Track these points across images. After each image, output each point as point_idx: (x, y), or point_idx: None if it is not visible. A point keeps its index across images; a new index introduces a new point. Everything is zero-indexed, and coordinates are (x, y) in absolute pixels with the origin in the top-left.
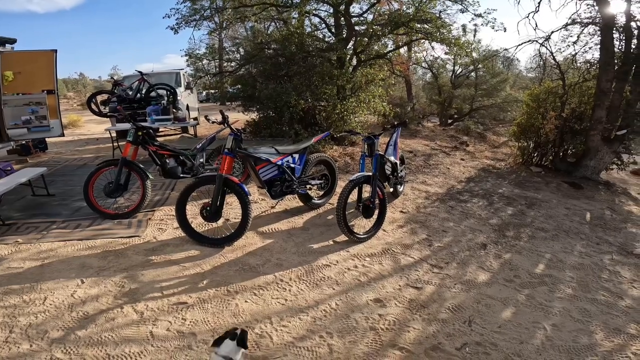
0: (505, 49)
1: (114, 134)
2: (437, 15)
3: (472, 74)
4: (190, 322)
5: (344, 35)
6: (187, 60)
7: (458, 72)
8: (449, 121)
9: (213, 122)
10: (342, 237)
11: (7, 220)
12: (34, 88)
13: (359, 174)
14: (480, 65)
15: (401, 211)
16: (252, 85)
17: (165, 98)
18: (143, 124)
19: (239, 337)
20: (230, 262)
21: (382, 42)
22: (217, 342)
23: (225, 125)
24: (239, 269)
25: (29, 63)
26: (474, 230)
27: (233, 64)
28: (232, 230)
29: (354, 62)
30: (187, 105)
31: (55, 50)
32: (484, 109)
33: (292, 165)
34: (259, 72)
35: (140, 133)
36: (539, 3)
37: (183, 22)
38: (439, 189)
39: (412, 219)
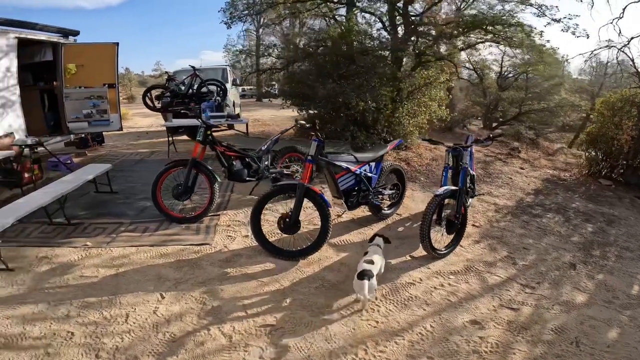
0: (580, 54)
1: (161, 126)
2: (516, 20)
3: (523, 75)
4: (282, 347)
5: (401, 35)
6: (226, 56)
7: (506, 74)
8: (494, 125)
9: (302, 125)
10: (419, 252)
11: (73, 220)
12: (95, 81)
13: (444, 188)
14: (530, 68)
15: (473, 225)
16: (308, 83)
17: (215, 94)
18: (212, 122)
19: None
20: (309, 277)
21: (450, 43)
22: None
23: (311, 130)
24: (320, 286)
25: (90, 56)
26: (557, 249)
27: (280, 61)
28: (307, 243)
29: (409, 63)
30: (234, 102)
31: (117, 44)
32: (534, 112)
33: (369, 175)
34: (316, 69)
35: (209, 132)
36: (624, 9)
37: (236, 17)
38: (507, 201)
39: (487, 234)
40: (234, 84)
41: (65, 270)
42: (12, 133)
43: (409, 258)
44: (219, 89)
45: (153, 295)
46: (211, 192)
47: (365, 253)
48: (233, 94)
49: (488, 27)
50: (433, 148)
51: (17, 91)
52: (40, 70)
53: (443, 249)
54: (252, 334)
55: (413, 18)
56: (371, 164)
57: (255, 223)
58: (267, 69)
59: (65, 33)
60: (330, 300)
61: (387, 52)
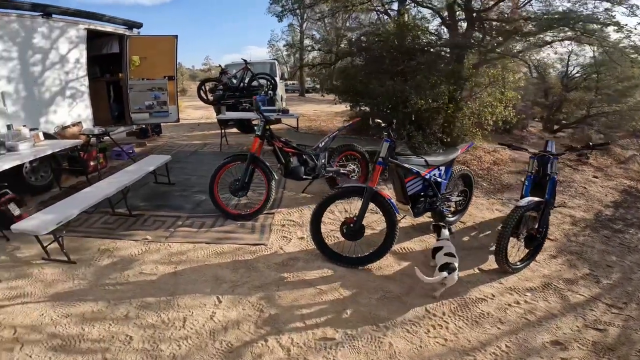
0: None
1: (215, 118)
2: (612, 19)
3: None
4: None
5: (463, 31)
6: (270, 51)
7: (572, 73)
8: (555, 127)
9: (377, 124)
10: (489, 265)
11: (134, 211)
12: (156, 73)
13: (528, 199)
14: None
15: (548, 238)
16: (361, 79)
17: (266, 88)
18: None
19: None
20: (370, 288)
21: (525, 40)
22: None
23: (385, 130)
24: (382, 297)
25: (152, 48)
26: None
27: (329, 55)
28: (366, 248)
29: (472, 60)
30: (281, 96)
31: (176, 36)
32: (604, 115)
33: (439, 180)
34: (372, 65)
35: (268, 127)
36: None
37: (288, 10)
38: (584, 213)
39: (564, 248)
40: (282, 78)
41: (126, 266)
42: (80, 122)
43: (478, 271)
44: (268, 82)
45: (210, 299)
46: (268, 189)
47: (439, 248)
48: (280, 88)
49: (576, 26)
50: (492, 151)
51: (86, 82)
52: (106, 62)
53: (518, 264)
54: (311, 348)
55: (476, 14)
56: (441, 168)
57: (316, 227)
58: (317, 64)
59: (130, 25)
60: (394, 314)
61: (446, 49)
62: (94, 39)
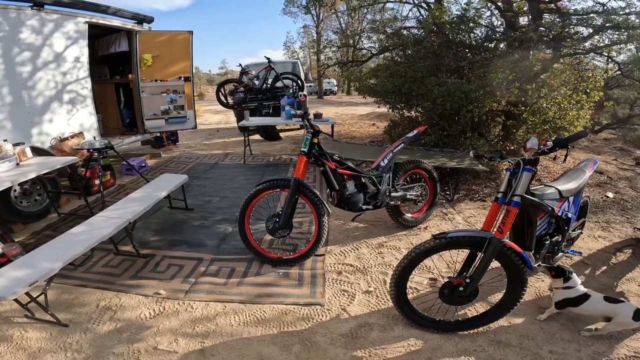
0: None
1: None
2: None
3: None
4: None
5: (528, 23)
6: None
7: (614, 71)
8: (595, 128)
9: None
10: None
11: (142, 249)
12: (171, 74)
13: None
14: None
15: None
16: (413, 77)
17: (291, 89)
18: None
19: None
20: None
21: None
22: None
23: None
24: None
25: (165, 45)
26: None
27: (362, 52)
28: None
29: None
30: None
31: (191, 32)
32: None
33: (569, 215)
34: (426, 61)
35: (316, 140)
36: None
37: (312, 3)
38: None
39: None
40: (306, 79)
41: (135, 335)
42: (81, 133)
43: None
44: (294, 83)
45: None
46: (318, 226)
47: (584, 297)
48: (305, 90)
49: None
50: (553, 158)
51: (89, 85)
52: (116, 62)
53: None
54: None
55: (544, 5)
56: (570, 198)
57: (401, 290)
58: (349, 61)
59: (140, 19)
60: None
61: (504, 42)
62: (100, 36)
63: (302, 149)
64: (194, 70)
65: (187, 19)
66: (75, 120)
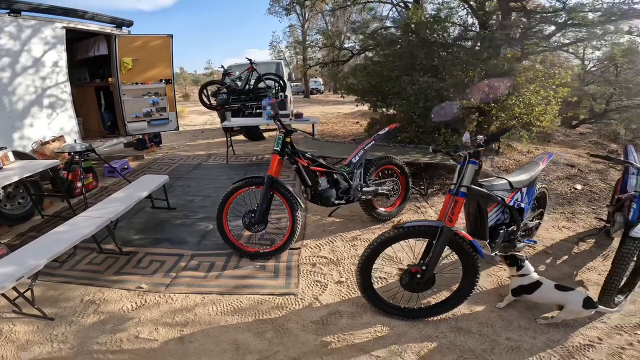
0: None
1: (221, 126)
2: None
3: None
4: None
5: (496, 22)
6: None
7: (589, 67)
8: (573, 123)
9: (482, 142)
10: None
11: (125, 247)
12: (151, 77)
13: None
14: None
15: None
16: (390, 77)
17: (274, 90)
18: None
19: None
20: (441, 346)
21: (592, 30)
22: None
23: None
24: (459, 358)
25: (145, 48)
26: None
27: (342, 52)
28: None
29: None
30: (290, 99)
31: (171, 35)
32: (625, 110)
33: (522, 205)
34: (400, 60)
35: (288, 139)
36: None
37: (295, 2)
38: None
39: None
40: (289, 79)
41: (117, 326)
42: (62, 136)
43: None
44: (277, 84)
45: None
46: (292, 221)
47: (536, 284)
48: (288, 90)
49: None
50: (526, 153)
51: (68, 89)
52: (95, 66)
53: (619, 297)
54: None
55: (513, 3)
56: (523, 189)
57: (366, 277)
58: (330, 62)
59: (118, 23)
60: None
61: (476, 41)
62: (78, 40)
63: (275, 148)
64: (178, 71)
65: (171, 19)
66: (56, 124)
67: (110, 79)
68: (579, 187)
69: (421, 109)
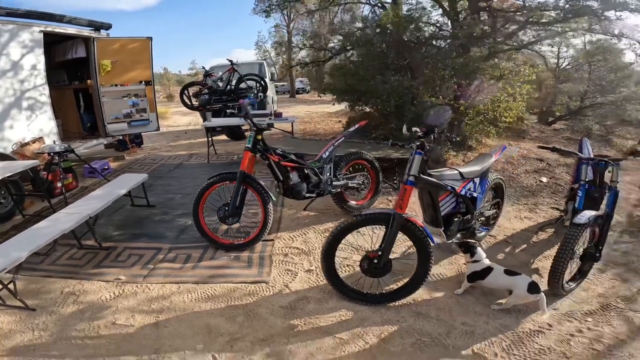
0: None
1: (201, 125)
2: None
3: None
4: None
5: (467, 20)
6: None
7: (564, 65)
8: (550, 119)
9: (414, 132)
10: None
11: (105, 242)
12: (131, 79)
13: (586, 215)
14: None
15: None
16: (364, 76)
17: (255, 90)
18: (259, 122)
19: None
20: (401, 330)
21: (543, 30)
22: None
23: (420, 139)
24: (417, 341)
25: (124, 51)
26: None
27: (322, 52)
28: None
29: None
30: (272, 98)
31: (150, 38)
32: (598, 106)
33: (474, 194)
34: (375, 60)
35: (260, 137)
36: None
37: (276, 6)
38: (616, 216)
39: (609, 259)
40: (272, 79)
41: (96, 314)
42: (41, 138)
43: None
44: (258, 84)
45: (204, 358)
46: (264, 213)
47: (488, 270)
48: (271, 90)
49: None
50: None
51: (46, 91)
52: (75, 68)
53: (570, 284)
54: None
55: (482, 3)
56: (475, 179)
57: (329, 263)
58: (310, 62)
59: (97, 27)
60: None
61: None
62: (56, 42)
63: (246, 145)
64: (162, 72)
65: (155, 19)
66: (35, 126)
67: (89, 81)
68: (544, 179)
69: (394, 107)
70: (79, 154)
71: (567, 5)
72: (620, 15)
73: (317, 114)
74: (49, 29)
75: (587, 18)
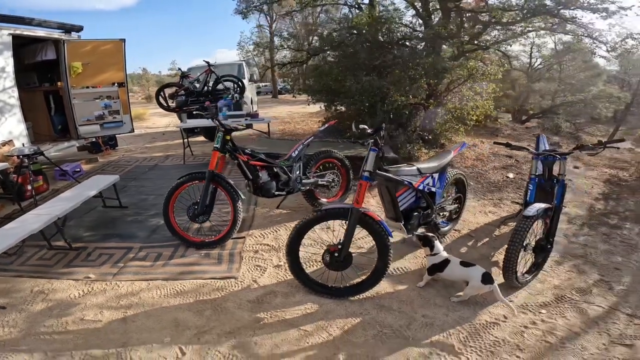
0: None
1: (176, 127)
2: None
3: (555, 66)
4: None
5: (438, 21)
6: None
7: (536, 65)
8: (523, 118)
9: (362, 130)
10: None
11: (75, 243)
12: (104, 81)
13: (536, 207)
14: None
15: None
16: (336, 77)
17: (232, 91)
18: (226, 122)
19: None
20: (363, 322)
21: (507, 29)
22: None
23: (371, 137)
24: (378, 333)
25: (95, 53)
26: None
27: (300, 53)
28: (356, 274)
29: (448, 53)
30: (251, 99)
31: (124, 40)
32: (569, 105)
33: (433, 189)
34: (347, 61)
35: (228, 137)
36: None
37: (253, 7)
38: (577, 209)
39: (568, 251)
40: (251, 80)
41: (64, 311)
42: (11, 140)
43: None
44: (235, 85)
45: (171, 350)
46: (234, 211)
47: (445, 262)
48: (250, 91)
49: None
50: (472, 146)
51: (15, 94)
52: (45, 70)
53: (526, 276)
54: None
55: (452, 4)
56: (434, 175)
57: (293, 257)
58: (287, 63)
59: (67, 29)
60: (395, 354)
61: (422, 42)
62: (26, 45)
63: (214, 145)
64: (141, 72)
65: (135, 19)
66: (5, 128)
67: (59, 83)
68: (511, 175)
69: (367, 107)
70: (50, 156)
71: (524, 4)
72: (575, 15)
73: (298, 114)
74: (17, 32)
75: (545, 17)
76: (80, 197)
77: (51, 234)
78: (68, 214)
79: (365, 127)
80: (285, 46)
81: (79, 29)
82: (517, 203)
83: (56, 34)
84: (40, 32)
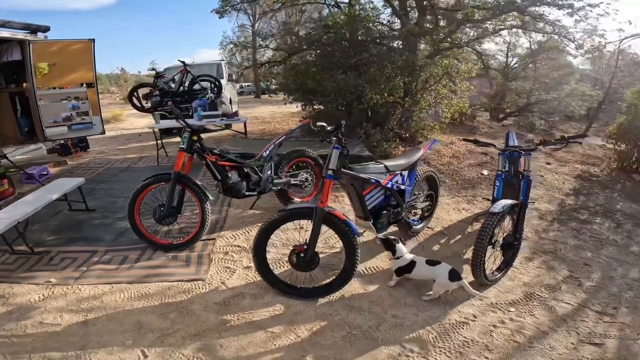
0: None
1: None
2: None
3: (530, 65)
4: None
5: (414, 20)
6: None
7: (512, 64)
8: (500, 116)
9: (322, 127)
10: (464, 277)
11: (38, 247)
12: (71, 81)
13: (502, 203)
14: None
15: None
16: (313, 76)
17: (209, 91)
18: (192, 122)
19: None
20: (332, 323)
21: (478, 27)
22: None
23: (333, 134)
24: (347, 334)
25: (63, 54)
26: (621, 262)
27: (279, 53)
28: (325, 275)
29: (425, 52)
30: (230, 99)
31: (93, 40)
32: (543, 103)
33: (402, 187)
34: (323, 60)
35: (195, 138)
36: None
37: (230, 6)
38: (548, 204)
39: (538, 248)
40: (230, 79)
41: (23, 314)
42: None
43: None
44: (212, 85)
45: (132, 353)
46: (202, 212)
47: (412, 264)
48: (229, 91)
49: (528, 10)
50: (449, 143)
51: None
52: (11, 71)
53: (496, 273)
54: None
55: (427, 2)
56: (403, 173)
57: (260, 258)
58: (265, 62)
59: (33, 29)
60: (366, 356)
61: (399, 41)
62: None
63: (180, 146)
64: (120, 72)
65: (114, 19)
66: None
67: (25, 84)
68: (485, 172)
69: (344, 105)
70: (17, 159)
71: (494, 1)
72: (543, 12)
73: (280, 114)
74: None
75: (514, 15)
76: (41, 201)
77: (13, 239)
78: (33, 218)
79: (324, 124)
80: (264, 45)
81: (45, 29)
82: (488, 199)
83: (21, 35)
84: (4, 33)
